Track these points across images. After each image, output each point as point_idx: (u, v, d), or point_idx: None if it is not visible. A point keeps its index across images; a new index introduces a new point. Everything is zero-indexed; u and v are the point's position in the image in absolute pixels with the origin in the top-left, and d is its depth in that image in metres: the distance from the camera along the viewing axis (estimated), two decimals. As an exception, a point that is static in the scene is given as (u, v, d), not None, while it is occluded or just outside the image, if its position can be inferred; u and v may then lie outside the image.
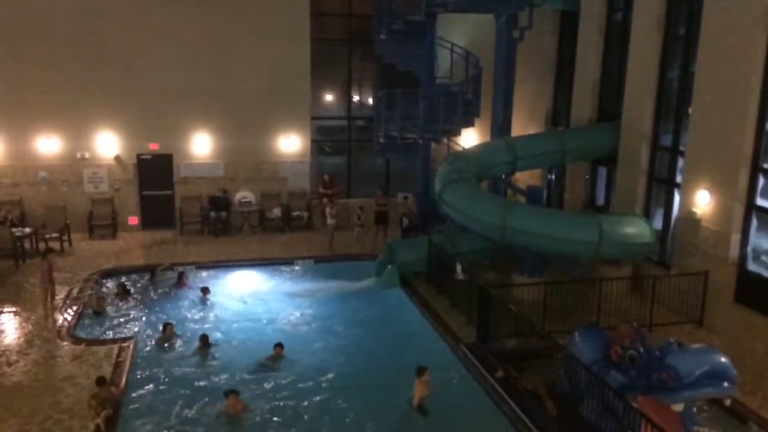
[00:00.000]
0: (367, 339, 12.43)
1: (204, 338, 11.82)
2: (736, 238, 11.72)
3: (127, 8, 17.82)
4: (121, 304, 13.83)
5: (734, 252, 11.75)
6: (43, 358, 11.14)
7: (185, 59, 18.27)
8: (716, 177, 11.99)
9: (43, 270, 13.32)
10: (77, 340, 11.85)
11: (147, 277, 15.18)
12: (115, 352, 11.32)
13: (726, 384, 8.15)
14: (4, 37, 17.19)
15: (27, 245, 16.26)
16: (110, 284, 14.86)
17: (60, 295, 13.76)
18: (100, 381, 9.63)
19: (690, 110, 12.83)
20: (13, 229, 16.08)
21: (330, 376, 11.00)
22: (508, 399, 9.66)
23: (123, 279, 15.02)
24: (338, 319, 13.36)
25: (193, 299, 14.08)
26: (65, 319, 12.70)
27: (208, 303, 13.91)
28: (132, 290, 14.47)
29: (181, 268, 15.30)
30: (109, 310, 13.45)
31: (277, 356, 11.38)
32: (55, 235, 16.83)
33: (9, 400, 9.74)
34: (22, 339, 11.93)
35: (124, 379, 10.41)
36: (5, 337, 12.04)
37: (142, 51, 18.04)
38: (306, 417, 9.77)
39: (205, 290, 14.20)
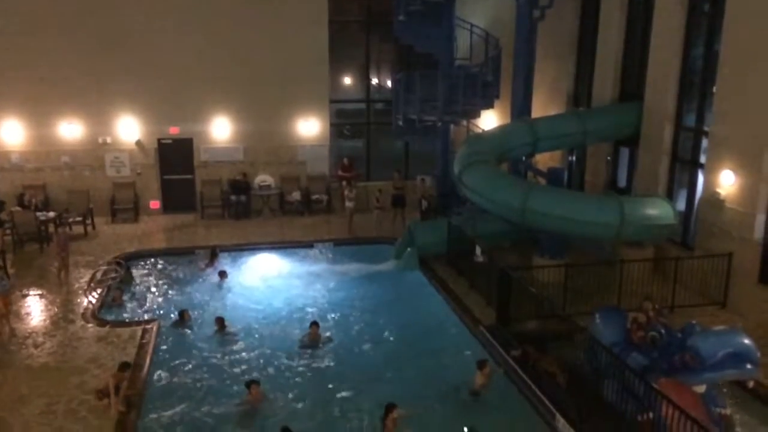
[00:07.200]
0: (386, 321, 12.47)
1: (220, 321, 11.94)
2: (761, 219, 11.53)
3: (147, -7, 17.90)
4: (128, 287, 13.97)
5: (759, 233, 11.56)
6: (68, 340, 11.34)
7: (205, 44, 18.29)
8: (741, 157, 11.78)
9: (59, 240, 14.06)
10: (102, 322, 12.04)
11: (206, 262, 15.19)
12: (139, 333, 11.49)
13: (749, 366, 8.08)
14: (24, 24, 17.32)
15: (51, 229, 16.48)
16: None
17: (84, 278, 14.00)
18: (124, 366, 9.69)
19: (714, 89, 12.61)
20: (37, 213, 16.33)
21: (353, 359, 11.08)
22: (527, 379, 9.67)
23: (125, 262, 14.94)
24: (358, 302, 13.41)
25: (213, 282, 14.22)
26: (90, 301, 12.90)
27: (226, 286, 14.05)
28: (133, 272, 14.60)
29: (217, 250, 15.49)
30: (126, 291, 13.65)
31: (314, 336, 11.46)
32: (78, 218, 17.06)
33: (36, 381, 9.94)
34: (48, 321, 12.15)
35: (148, 360, 10.58)
36: (32, 319, 12.27)
37: (163, 36, 18.08)
38: (337, 397, 9.85)
39: (223, 274, 14.32)
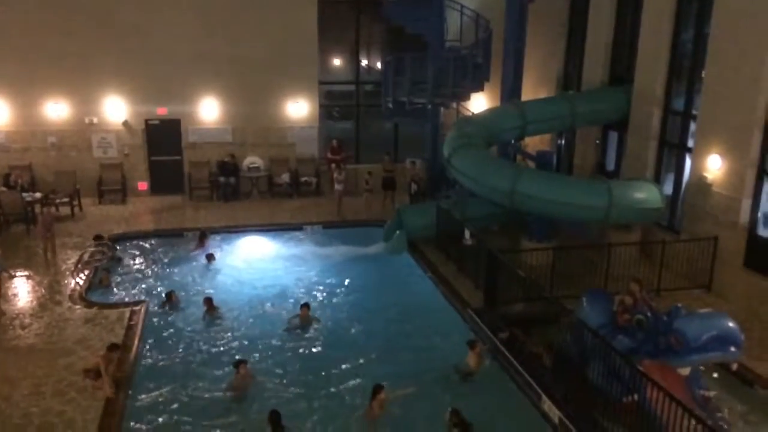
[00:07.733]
0: (374, 304, 12.49)
1: (209, 301, 11.93)
2: (747, 203, 11.62)
3: (134, -29, 17.65)
4: (115, 267, 13.95)
5: (745, 217, 11.65)
6: (55, 321, 11.30)
7: (193, 24, 18.10)
8: (728, 141, 11.84)
9: (44, 221, 14.11)
10: (89, 304, 12.00)
11: (194, 245, 15.08)
12: (127, 315, 11.46)
13: (733, 348, 8.18)
14: (11, 3, 17.05)
15: (37, 210, 16.32)
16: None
17: (71, 259, 13.92)
18: (113, 347, 9.70)
19: (703, 73, 12.63)
20: (24, 194, 16.18)
21: (342, 341, 11.10)
22: (514, 361, 9.75)
23: (111, 244, 14.87)
24: (346, 284, 13.43)
25: (202, 264, 14.18)
26: (77, 283, 12.84)
27: (214, 268, 14.02)
28: (121, 254, 14.57)
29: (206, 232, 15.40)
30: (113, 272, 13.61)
31: (304, 317, 11.48)
32: (65, 200, 16.93)
33: (24, 363, 9.90)
34: (35, 302, 12.09)
35: (136, 342, 10.56)
36: (18, 300, 12.21)
37: (151, 15, 17.85)
38: (326, 378, 9.91)
39: (210, 257, 14.29)
